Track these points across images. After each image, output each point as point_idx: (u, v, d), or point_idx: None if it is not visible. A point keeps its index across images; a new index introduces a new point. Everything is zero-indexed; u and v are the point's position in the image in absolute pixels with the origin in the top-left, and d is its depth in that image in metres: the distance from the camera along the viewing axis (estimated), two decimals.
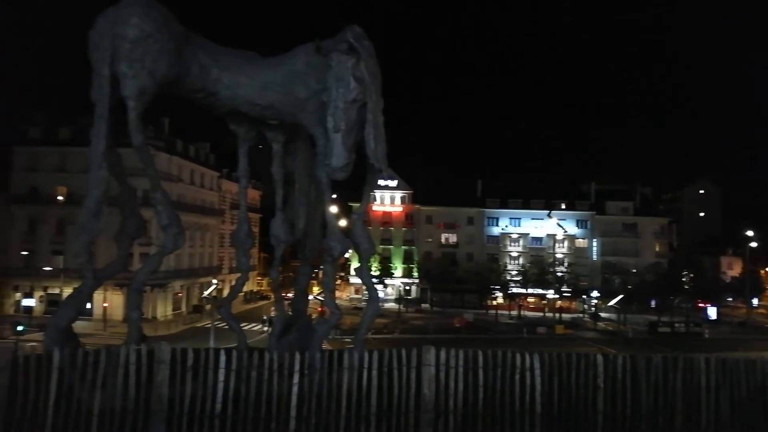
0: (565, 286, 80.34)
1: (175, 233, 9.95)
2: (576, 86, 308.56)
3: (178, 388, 8.54)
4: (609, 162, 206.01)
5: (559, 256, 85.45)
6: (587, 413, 9.35)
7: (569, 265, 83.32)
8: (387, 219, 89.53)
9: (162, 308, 63.26)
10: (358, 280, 67.30)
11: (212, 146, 78.49)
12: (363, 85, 10.22)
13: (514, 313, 77.67)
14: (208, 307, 64.62)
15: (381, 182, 75.70)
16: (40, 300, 57.98)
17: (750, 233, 76.50)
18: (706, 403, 9.57)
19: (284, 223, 11.47)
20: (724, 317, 74.73)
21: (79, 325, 10.32)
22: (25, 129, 64.40)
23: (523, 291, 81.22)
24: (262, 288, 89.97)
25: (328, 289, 11.24)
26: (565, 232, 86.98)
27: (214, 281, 70.96)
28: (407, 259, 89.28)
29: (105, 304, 52.96)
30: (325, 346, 11.45)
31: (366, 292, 11.48)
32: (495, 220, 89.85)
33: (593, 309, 77.23)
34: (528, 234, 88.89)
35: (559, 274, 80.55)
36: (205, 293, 69.47)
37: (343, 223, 36.65)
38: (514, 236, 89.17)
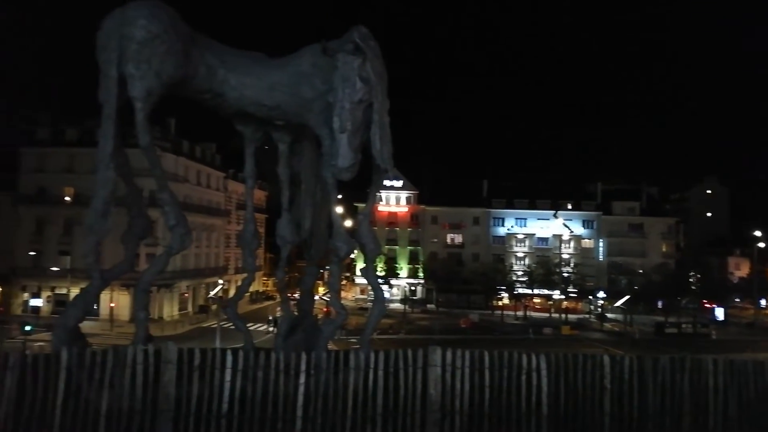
0: (571, 287, 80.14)
1: (182, 234, 9.99)
2: (579, 86, 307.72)
3: (184, 388, 8.57)
4: (615, 162, 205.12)
5: (565, 256, 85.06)
6: (594, 414, 9.30)
7: (575, 265, 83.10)
8: (392, 219, 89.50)
9: (168, 308, 63.47)
10: (363, 281, 67.93)
11: (218, 147, 78.60)
12: (369, 85, 10.24)
13: (520, 313, 77.60)
14: (214, 307, 64.77)
15: (386, 183, 75.67)
16: (48, 300, 58.40)
17: (758, 233, 76.19)
18: (714, 404, 9.51)
19: (290, 224, 11.47)
20: (731, 318, 74.29)
21: (86, 325, 10.37)
22: (33, 130, 64.89)
23: (529, 291, 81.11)
24: (268, 288, 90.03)
25: (334, 290, 11.27)
26: (571, 232, 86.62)
27: (220, 281, 71.16)
28: (413, 260, 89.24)
29: (112, 305, 53.13)
30: (331, 346, 11.45)
31: (372, 293, 11.50)
32: (501, 221, 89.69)
33: (599, 310, 77.03)
34: (534, 234, 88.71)
35: (565, 274, 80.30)
36: (211, 293, 69.68)
37: (348, 223, 36.70)
38: (520, 236, 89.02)
